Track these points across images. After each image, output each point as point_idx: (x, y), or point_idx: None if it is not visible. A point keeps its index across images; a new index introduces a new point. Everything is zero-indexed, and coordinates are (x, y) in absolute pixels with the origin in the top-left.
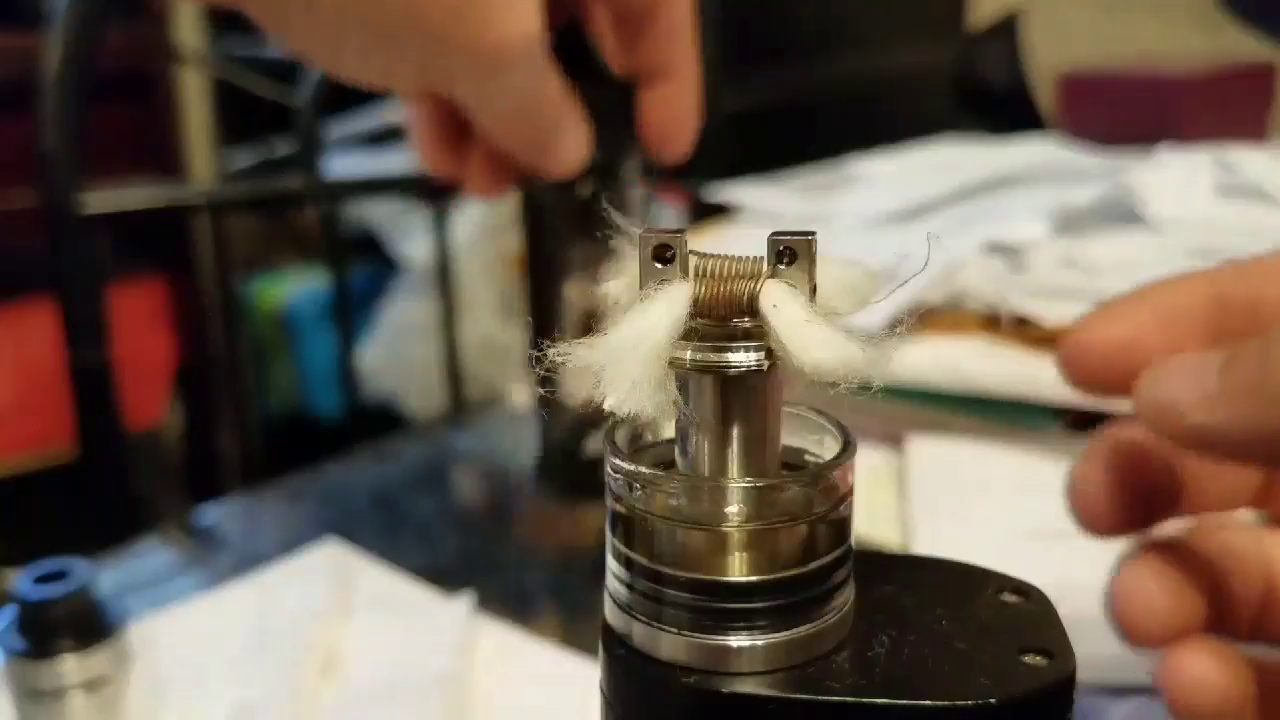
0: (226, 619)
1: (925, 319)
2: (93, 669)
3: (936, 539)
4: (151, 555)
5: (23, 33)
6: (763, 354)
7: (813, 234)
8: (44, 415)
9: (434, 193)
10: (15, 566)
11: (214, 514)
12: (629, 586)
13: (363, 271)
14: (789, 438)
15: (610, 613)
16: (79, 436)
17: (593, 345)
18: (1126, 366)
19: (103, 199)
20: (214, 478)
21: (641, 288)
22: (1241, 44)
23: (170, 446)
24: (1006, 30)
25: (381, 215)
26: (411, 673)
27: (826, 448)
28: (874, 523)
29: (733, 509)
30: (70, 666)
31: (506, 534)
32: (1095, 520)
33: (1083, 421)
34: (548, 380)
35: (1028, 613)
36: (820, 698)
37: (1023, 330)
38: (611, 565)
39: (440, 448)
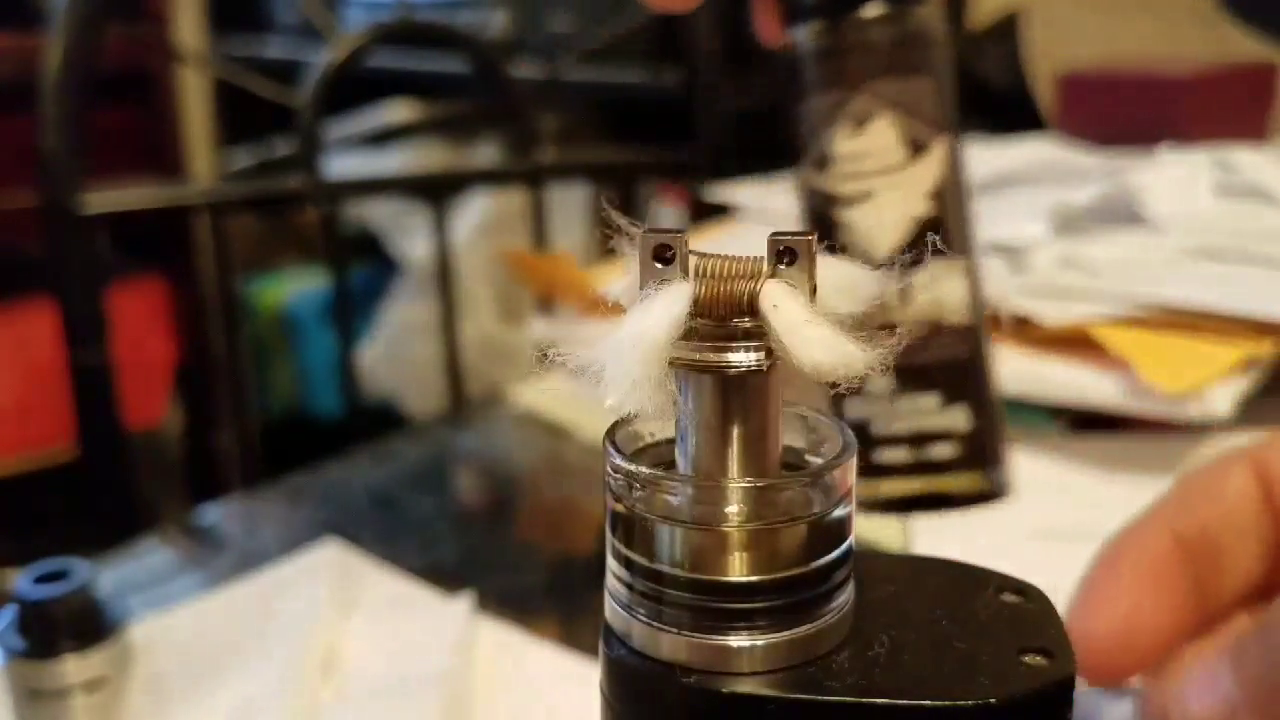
0: (226, 619)
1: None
2: (93, 669)
3: (936, 539)
4: (151, 555)
5: (23, 33)
6: (763, 354)
7: (813, 234)
8: (44, 415)
9: (434, 193)
10: (15, 566)
11: (214, 514)
12: (629, 586)
13: (363, 271)
14: (789, 438)
15: (610, 613)
16: (79, 436)
17: (593, 344)
18: (1134, 648)
19: (103, 199)
20: (214, 478)
21: (642, 288)
22: (1241, 44)
23: (170, 446)
24: (1006, 30)
25: (381, 215)
26: (411, 673)
27: (826, 448)
28: (874, 523)
29: (733, 509)
30: (70, 666)
31: (506, 534)
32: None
33: (1083, 422)
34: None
35: (1028, 613)
36: (820, 698)
37: (1023, 330)
38: (611, 565)
39: (440, 448)
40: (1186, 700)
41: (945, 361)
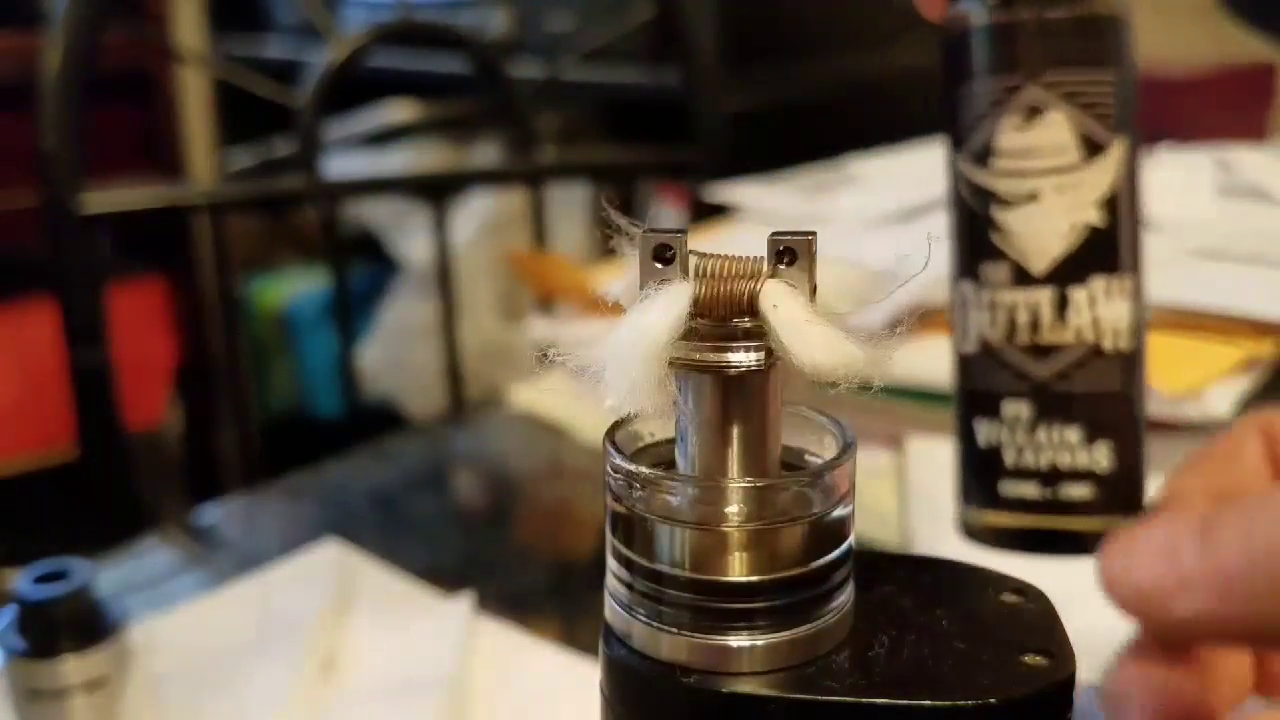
0: (226, 619)
1: (925, 319)
2: (93, 669)
3: (936, 539)
4: (151, 555)
5: (23, 33)
6: (763, 354)
7: (813, 234)
8: (44, 415)
9: (434, 193)
10: (15, 566)
11: (214, 514)
12: (629, 586)
13: (363, 271)
14: (789, 438)
15: (610, 613)
16: (79, 436)
17: (593, 344)
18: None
19: (103, 199)
20: (214, 478)
21: (642, 288)
22: (1241, 44)
23: (170, 446)
24: None
25: (381, 215)
26: (411, 673)
27: (826, 448)
28: (874, 523)
29: (733, 509)
30: (70, 666)
31: (506, 534)
32: None
33: None
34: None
35: (1028, 613)
36: (820, 698)
37: None
38: (611, 565)
39: (440, 448)
40: (1136, 565)
41: (1094, 393)
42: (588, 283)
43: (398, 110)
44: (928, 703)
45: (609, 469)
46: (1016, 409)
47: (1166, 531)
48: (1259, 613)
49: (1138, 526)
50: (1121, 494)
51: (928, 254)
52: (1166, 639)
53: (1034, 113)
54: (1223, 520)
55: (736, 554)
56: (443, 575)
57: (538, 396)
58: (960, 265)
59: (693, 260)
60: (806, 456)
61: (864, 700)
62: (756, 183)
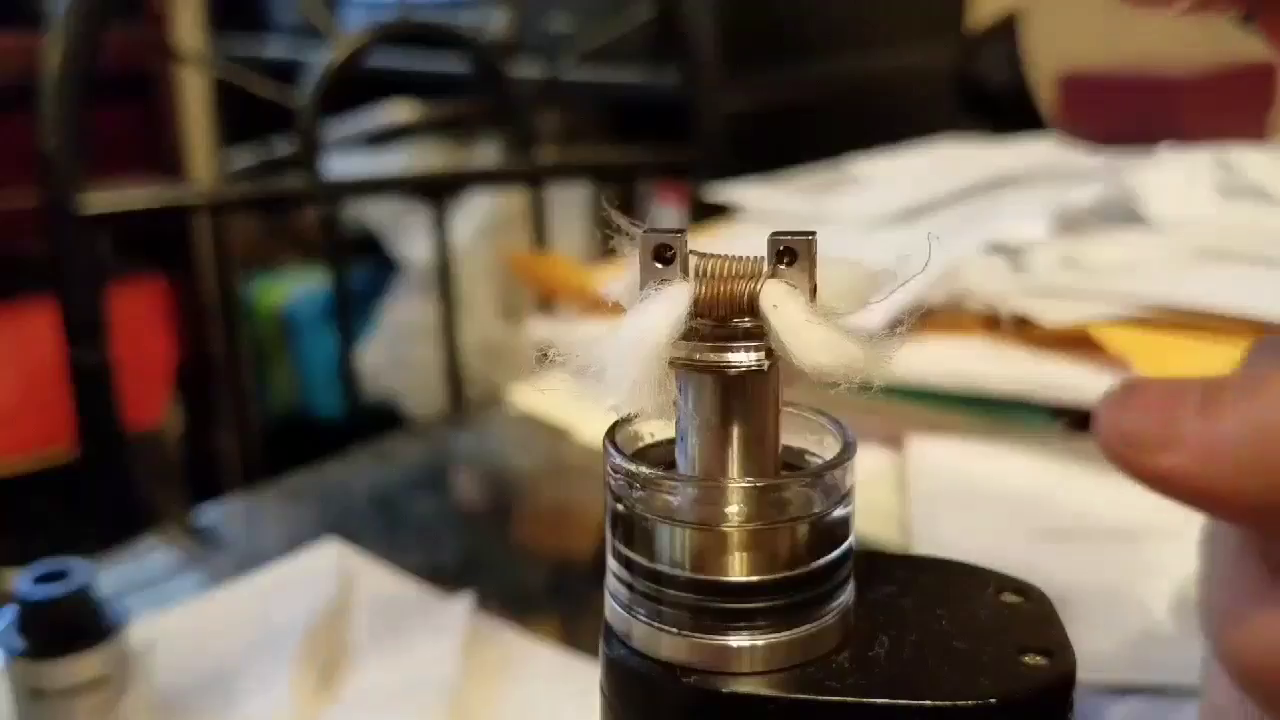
0: (226, 619)
1: (925, 319)
2: (93, 669)
3: (936, 539)
4: (151, 555)
5: (23, 33)
6: (763, 354)
7: (813, 234)
8: (44, 415)
9: (434, 193)
10: (15, 566)
11: (214, 514)
12: (629, 586)
13: (363, 271)
14: (789, 438)
15: (610, 613)
16: (79, 436)
17: (593, 345)
18: None
19: (103, 199)
20: (214, 478)
21: (642, 288)
22: (1241, 44)
23: (170, 446)
24: (1006, 30)
25: (381, 215)
26: (411, 673)
27: (826, 448)
28: (874, 523)
29: (733, 509)
30: (70, 666)
31: (506, 534)
32: None
33: (1083, 421)
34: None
35: (1028, 613)
36: (820, 698)
37: (1023, 330)
38: (611, 565)
39: (440, 448)
40: (1129, 408)
41: None
42: (588, 283)
43: (398, 110)
44: (928, 703)
45: (609, 469)
46: None
47: (1170, 387)
48: (1238, 487)
49: (1146, 379)
50: None
51: (928, 254)
52: (1145, 487)
53: None
54: (1227, 385)
55: (736, 554)
56: (443, 575)
57: (538, 396)
58: None
59: (693, 260)
60: (806, 456)
61: (864, 700)
62: (756, 183)
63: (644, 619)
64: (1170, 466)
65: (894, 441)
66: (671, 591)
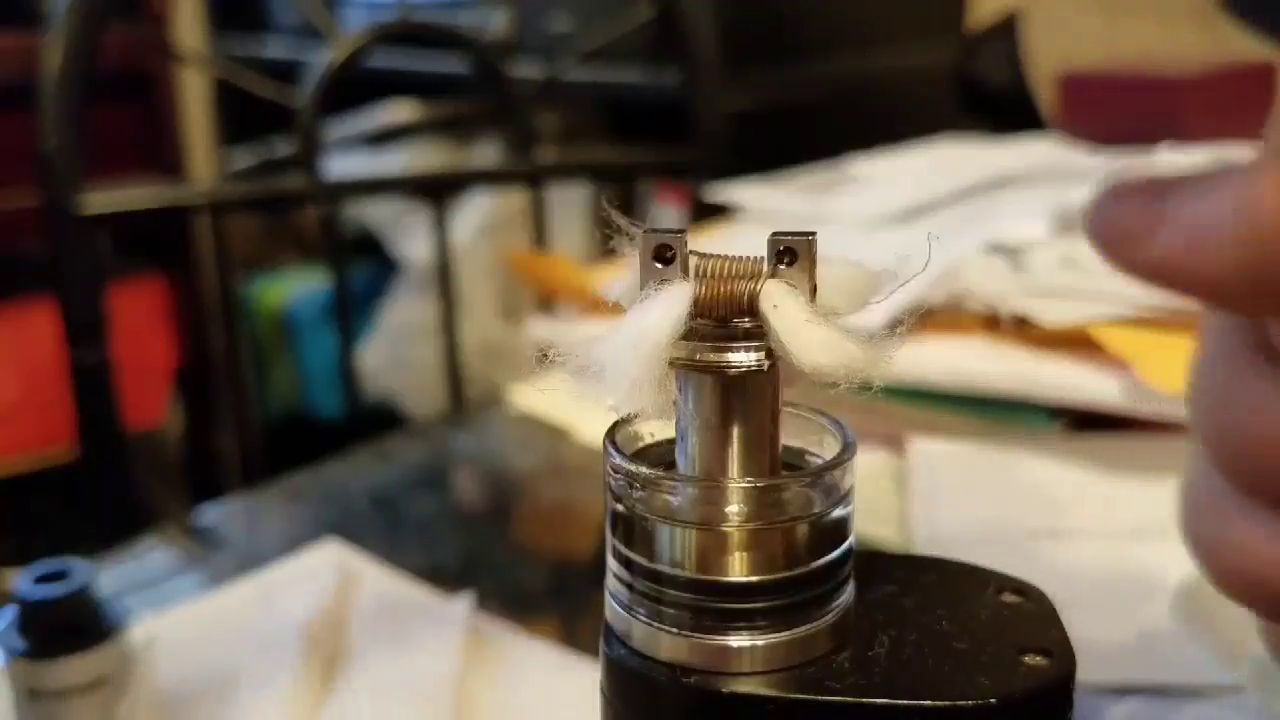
0: (226, 619)
1: (925, 319)
2: (93, 669)
3: (936, 539)
4: (151, 555)
5: (23, 33)
6: (763, 354)
7: (813, 234)
8: (44, 415)
9: (434, 193)
10: (15, 566)
11: (214, 514)
12: (629, 586)
13: (363, 271)
14: (789, 438)
15: (610, 613)
16: (79, 436)
17: (593, 345)
18: None
19: (103, 199)
20: (214, 478)
21: (642, 288)
22: (1241, 44)
23: (170, 446)
24: (1006, 30)
25: (381, 215)
26: (411, 673)
27: (826, 448)
28: (874, 523)
29: (733, 509)
30: (70, 666)
31: (506, 534)
32: None
33: (1083, 421)
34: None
35: (1028, 613)
36: (820, 698)
37: (1023, 330)
38: (611, 565)
39: (440, 448)
40: (1120, 203)
41: None
42: (588, 283)
43: (398, 110)
44: (928, 703)
45: (609, 469)
46: None
47: (1160, 178)
48: (1223, 264)
49: (1137, 177)
50: None
51: (928, 254)
52: (1136, 279)
53: None
54: (1217, 169)
55: (737, 554)
56: (443, 575)
57: (538, 396)
58: None
59: (693, 260)
60: (806, 456)
61: (864, 700)
62: (756, 183)
63: (644, 619)
64: (1158, 252)
65: (894, 441)
66: (671, 592)
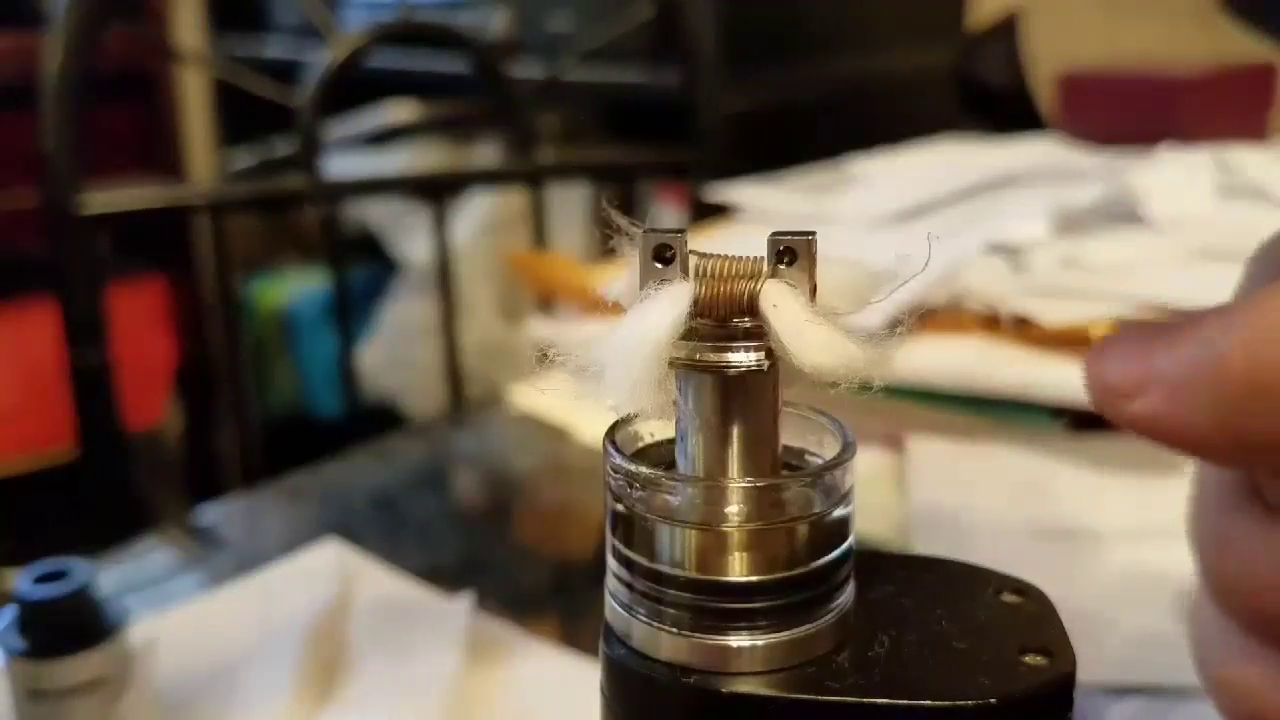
0: (226, 619)
1: (925, 319)
2: (93, 669)
3: (936, 539)
4: (151, 555)
5: (23, 33)
6: (763, 354)
7: (813, 234)
8: (44, 415)
9: (434, 193)
10: (15, 566)
11: (214, 514)
12: (629, 586)
13: (363, 271)
14: (789, 438)
15: (610, 613)
16: (79, 436)
17: (593, 345)
18: None
19: (103, 199)
20: (214, 478)
21: (641, 288)
22: (1241, 44)
23: (170, 446)
24: (1006, 30)
25: (381, 215)
26: (412, 673)
27: (826, 448)
28: (874, 523)
29: (733, 509)
30: (70, 666)
31: (506, 534)
32: None
33: (1083, 421)
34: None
35: (1028, 613)
36: (820, 698)
37: (1023, 330)
38: (611, 565)
39: (440, 448)
40: (1107, 362)
41: None
42: (588, 283)
43: (398, 110)
44: (928, 703)
45: (609, 469)
46: None
47: (1146, 331)
48: (1202, 422)
49: (1129, 328)
50: None
51: (928, 254)
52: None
53: None
54: (1193, 319)
55: (737, 554)
56: (443, 575)
57: (538, 396)
58: None
59: (693, 260)
60: (806, 456)
61: (864, 700)
62: (756, 183)
63: (644, 619)
64: (1142, 410)
65: (894, 441)
66: (672, 591)
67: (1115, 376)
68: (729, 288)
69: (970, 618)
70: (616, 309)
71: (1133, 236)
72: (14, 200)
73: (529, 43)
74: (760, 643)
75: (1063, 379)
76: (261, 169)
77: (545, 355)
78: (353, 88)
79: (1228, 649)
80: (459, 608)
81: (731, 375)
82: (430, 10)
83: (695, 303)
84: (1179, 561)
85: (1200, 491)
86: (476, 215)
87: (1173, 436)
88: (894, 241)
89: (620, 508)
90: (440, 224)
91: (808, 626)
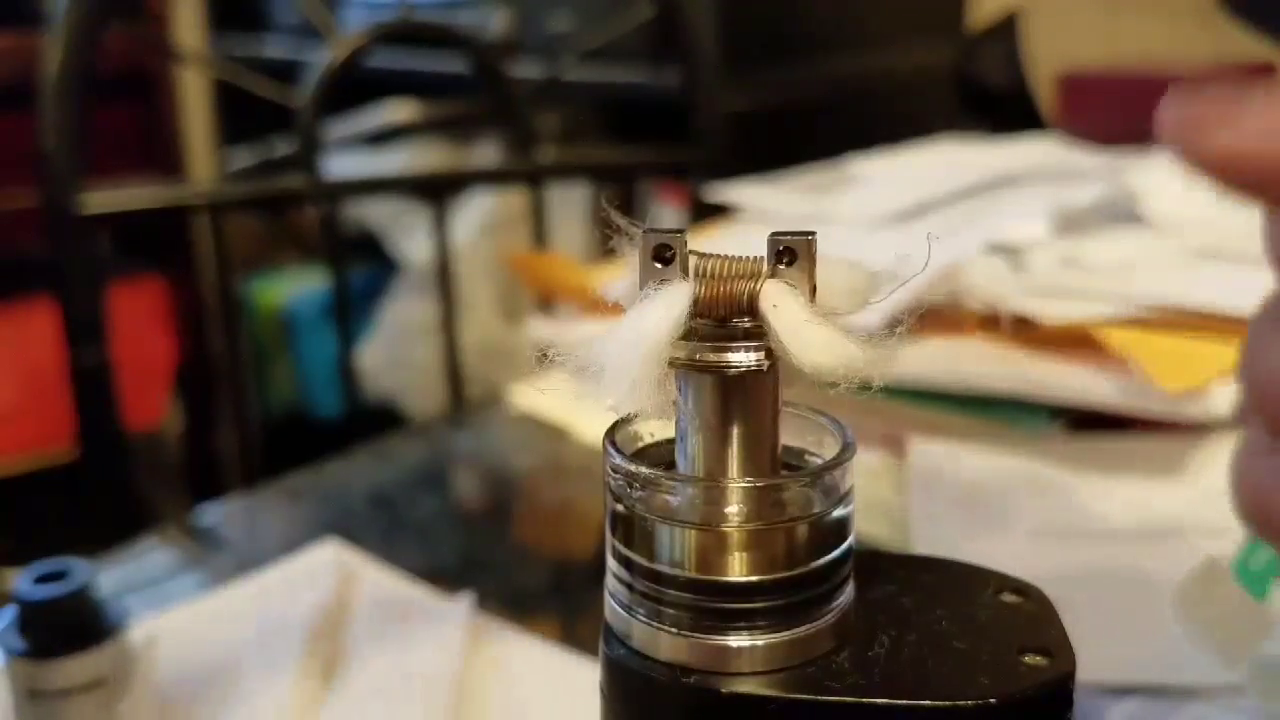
0: (226, 619)
1: (925, 319)
2: (93, 669)
3: (936, 539)
4: (151, 555)
5: (23, 33)
6: (763, 354)
7: (813, 234)
8: (44, 415)
9: (434, 193)
10: (15, 566)
11: (214, 514)
12: (629, 586)
13: (363, 271)
14: (789, 438)
15: (610, 613)
16: (79, 436)
17: (593, 345)
18: None
19: (103, 199)
20: (214, 478)
21: (642, 288)
22: (1241, 44)
23: (170, 446)
24: (1006, 30)
25: (381, 215)
26: (411, 673)
27: (826, 448)
28: (874, 523)
29: (733, 509)
30: (70, 666)
31: (506, 534)
32: None
33: (1083, 421)
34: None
35: (1028, 613)
36: (820, 698)
37: (1023, 330)
38: (611, 565)
39: (440, 448)
40: (1192, 101)
41: None
42: (588, 283)
43: (398, 110)
44: (928, 703)
45: (609, 469)
46: None
47: (1236, 88)
48: None
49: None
50: None
51: (927, 254)
52: (1203, 172)
53: None
54: None
55: (736, 554)
56: (443, 575)
57: (538, 396)
58: None
59: (693, 260)
60: (806, 456)
61: (864, 700)
62: (756, 183)
63: (644, 619)
64: (1228, 144)
65: (894, 441)
66: (671, 592)
67: (1203, 107)
68: (729, 288)
69: (970, 618)
70: (616, 309)
71: (1133, 236)
72: (14, 200)
73: (529, 42)
74: (760, 643)
75: (1063, 379)
76: (261, 169)
77: (545, 355)
78: (352, 88)
79: (1253, 452)
80: (459, 607)
81: (731, 375)
82: (430, 10)
83: (695, 303)
84: (1179, 561)
85: (1263, 311)
86: (476, 215)
87: (1259, 172)
88: (893, 241)
89: (620, 508)
90: (440, 224)
91: (808, 626)
